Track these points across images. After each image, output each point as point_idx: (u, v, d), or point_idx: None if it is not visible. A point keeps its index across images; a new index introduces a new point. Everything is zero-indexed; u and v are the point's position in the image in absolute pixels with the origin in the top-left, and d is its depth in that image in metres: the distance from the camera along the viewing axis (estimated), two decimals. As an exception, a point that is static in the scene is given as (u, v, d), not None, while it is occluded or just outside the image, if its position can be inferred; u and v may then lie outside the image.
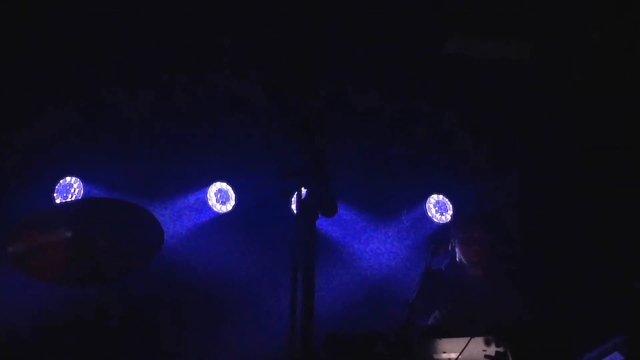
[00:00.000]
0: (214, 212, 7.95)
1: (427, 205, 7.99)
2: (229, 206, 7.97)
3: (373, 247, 8.02)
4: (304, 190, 3.72)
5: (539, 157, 7.66)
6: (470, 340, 4.97)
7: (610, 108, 7.17)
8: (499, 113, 7.57)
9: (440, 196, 8.02)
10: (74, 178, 7.52)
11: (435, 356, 5.13)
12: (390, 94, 7.55)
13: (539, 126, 7.56)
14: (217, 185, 7.97)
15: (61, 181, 7.48)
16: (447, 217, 7.95)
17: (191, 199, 7.92)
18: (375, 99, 7.69)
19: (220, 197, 7.95)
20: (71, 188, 7.47)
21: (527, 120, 7.55)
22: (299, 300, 3.47)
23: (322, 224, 7.94)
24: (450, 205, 7.98)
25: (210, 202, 7.92)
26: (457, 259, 6.41)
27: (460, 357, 5.04)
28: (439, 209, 7.98)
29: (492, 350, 4.94)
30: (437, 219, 7.97)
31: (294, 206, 7.91)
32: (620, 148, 7.26)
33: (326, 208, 3.64)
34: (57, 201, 7.33)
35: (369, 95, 7.67)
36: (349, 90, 7.60)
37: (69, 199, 7.33)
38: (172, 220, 7.74)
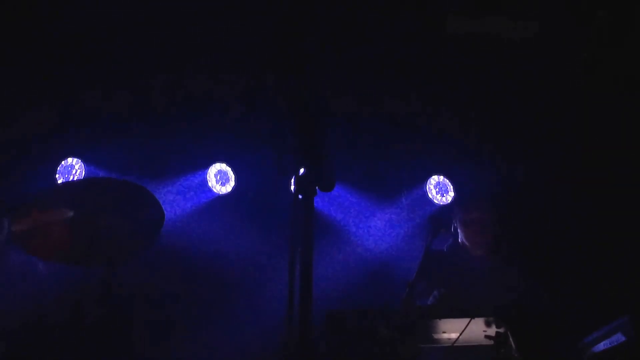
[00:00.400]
0: (214, 193, 7.96)
1: (427, 186, 7.98)
2: (228, 187, 7.97)
3: (373, 228, 8.03)
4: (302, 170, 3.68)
5: (539, 139, 7.66)
6: (470, 320, 4.99)
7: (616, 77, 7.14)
8: (500, 95, 7.55)
9: (441, 177, 8.00)
10: (75, 159, 7.55)
11: (435, 336, 5.14)
12: (391, 75, 7.53)
13: (540, 108, 7.54)
14: (217, 167, 7.97)
15: (63, 162, 7.51)
16: (448, 198, 7.93)
17: (191, 180, 7.93)
18: (376, 80, 7.66)
19: (220, 179, 7.96)
20: (72, 169, 7.50)
21: (528, 102, 7.53)
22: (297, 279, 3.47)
23: (323, 205, 7.97)
24: (451, 187, 7.97)
25: (210, 184, 7.93)
26: (460, 240, 6.45)
27: (460, 337, 5.06)
28: (439, 190, 7.97)
29: (492, 331, 4.97)
30: (437, 200, 7.95)
31: (293, 187, 7.95)
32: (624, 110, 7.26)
33: (324, 183, 3.61)
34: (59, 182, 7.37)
35: (369, 77, 7.65)
36: (349, 71, 7.58)
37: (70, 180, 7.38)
38: (172, 201, 7.76)
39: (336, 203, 8.00)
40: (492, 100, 7.57)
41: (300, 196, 3.53)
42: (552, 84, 7.38)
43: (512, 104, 7.57)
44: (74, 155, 7.57)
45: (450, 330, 5.08)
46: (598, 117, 7.35)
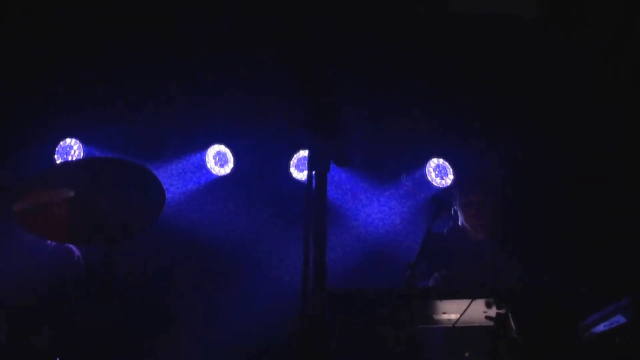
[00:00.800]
0: (213, 175, 7.97)
1: (427, 169, 7.96)
2: (227, 169, 7.97)
3: (373, 210, 8.02)
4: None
5: (540, 121, 7.65)
6: (471, 302, 4.99)
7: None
8: (500, 76, 7.54)
9: (441, 160, 7.98)
10: (73, 140, 7.57)
11: (435, 317, 5.15)
12: (391, 56, 7.51)
13: (540, 90, 7.53)
14: (216, 148, 7.97)
15: (61, 143, 7.53)
16: (447, 181, 7.92)
17: (190, 161, 7.94)
18: (375, 61, 7.64)
19: (218, 160, 7.96)
20: (71, 150, 7.52)
21: (528, 84, 7.52)
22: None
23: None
24: (451, 169, 7.95)
25: (208, 165, 7.94)
26: (460, 223, 6.47)
27: (460, 318, 5.06)
28: (438, 172, 7.95)
29: (492, 312, 4.96)
30: (436, 182, 7.94)
31: (292, 169, 7.97)
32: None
33: (339, 158, 3.58)
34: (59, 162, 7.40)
35: (368, 58, 7.63)
36: (349, 52, 7.56)
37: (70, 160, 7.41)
38: (171, 183, 7.76)
39: (337, 184, 8.00)
40: (492, 82, 7.56)
41: (313, 172, 3.50)
42: (553, 68, 7.38)
43: (512, 87, 7.55)
44: (72, 136, 7.59)
45: (451, 311, 5.08)
46: (599, 102, 7.35)
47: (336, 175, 7.85)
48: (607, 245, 7.15)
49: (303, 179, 7.94)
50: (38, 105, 7.46)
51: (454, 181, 7.83)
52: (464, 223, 6.45)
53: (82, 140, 7.58)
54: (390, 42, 7.35)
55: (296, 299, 6.94)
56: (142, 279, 7.35)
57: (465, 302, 5.00)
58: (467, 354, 5.09)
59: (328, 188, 7.85)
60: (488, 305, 4.98)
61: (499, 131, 7.79)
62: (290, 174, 7.95)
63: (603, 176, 7.40)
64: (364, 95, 7.81)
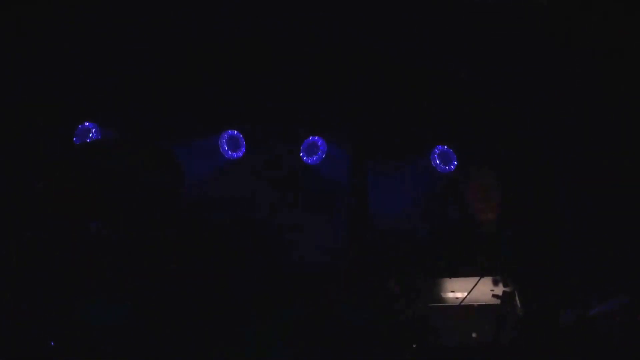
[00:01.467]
0: (225, 158, 8.09)
1: (432, 155, 8.07)
2: (239, 152, 8.09)
3: (376, 197, 8.10)
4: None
5: (543, 105, 7.70)
6: (479, 280, 5.13)
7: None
8: (503, 65, 7.61)
9: (446, 147, 8.09)
10: (91, 123, 7.69)
11: (443, 295, 5.30)
12: (394, 43, 7.61)
13: (544, 78, 7.58)
14: (229, 132, 8.09)
15: (80, 126, 7.65)
16: (452, 167, 7.98)
17: (203, 145, 8.06)
18: (380, 49, 7.73)
19: (231, 144, 8.08)
20: (89, 132, 7.65)
21: (532, 72, 7.58)
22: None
23: (327, 173, 8.09)
24: (456, 156, 8.04)
25: (221, 148, 8.07)
26: (467, 206, 6.61)
27: (468, 296, 5.21)
28: (443, 159, 8.03)
29: (499, 290, 5.11)
30: (441, 168, 8.03)
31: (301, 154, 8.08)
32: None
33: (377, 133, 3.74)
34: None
35: (375, 50, 7.73)
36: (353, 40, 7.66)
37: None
38: (184, 166, 7.84)
39: (343, 170, 8.09)
40: (496, 67, 7.63)
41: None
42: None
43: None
44: (90, 120, 7.71)
45: (459, 289, 5.23)
46: (601, 87, 7.42)
47: (343, 160, 7.94)
48: (612, 226, 7.17)
49: (312, 163, 8.06)
50: (57, 90, 7.56)
51: (460, 166, 7.89)
52: (471, 207, 6.59)
53: (99, 124, 7.71)
54: (396, 36, 7.44)
55: (304, 279, 7.06)
56: (154, 256, 7.44)
57: (473, 280, 5.17)
58: (474, 335, 5.25)
59: (336, 174, 7.93)
60: (495, 283, 5.15)
61: (501, 118, 7.85)
62: (300, 157, 8.06)
63: (610, 160, 7.42)
64: (367, 83, 7.87)
